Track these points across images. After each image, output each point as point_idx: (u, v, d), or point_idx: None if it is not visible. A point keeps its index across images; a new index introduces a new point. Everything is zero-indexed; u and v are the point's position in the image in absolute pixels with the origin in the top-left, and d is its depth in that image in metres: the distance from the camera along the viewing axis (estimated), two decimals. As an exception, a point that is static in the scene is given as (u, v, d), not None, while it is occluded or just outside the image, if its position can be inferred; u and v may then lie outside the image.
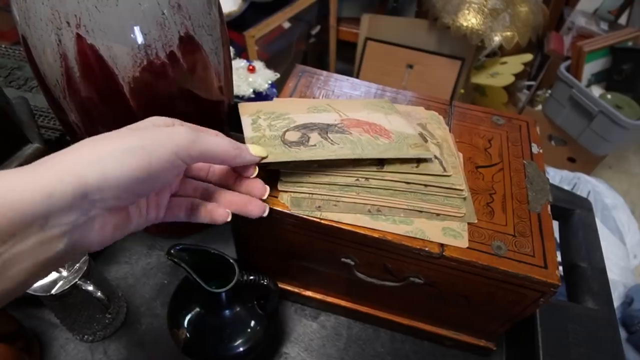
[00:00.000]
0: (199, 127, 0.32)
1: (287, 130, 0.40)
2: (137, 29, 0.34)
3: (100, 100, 0.37)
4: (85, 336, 0.48)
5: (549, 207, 0.44)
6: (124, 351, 0.49)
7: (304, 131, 0.41)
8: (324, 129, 0.41)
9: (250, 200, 0.36)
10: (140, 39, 0.34)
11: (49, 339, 0.49)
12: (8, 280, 0.22)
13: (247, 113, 0.43)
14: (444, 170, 0.41)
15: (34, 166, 0.23)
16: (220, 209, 0.35)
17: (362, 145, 0.39)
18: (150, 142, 0.27)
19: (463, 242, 0.39)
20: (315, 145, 0.39)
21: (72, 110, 0.39)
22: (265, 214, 0.36)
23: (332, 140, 0.39)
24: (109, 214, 0.27)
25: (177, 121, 0.31)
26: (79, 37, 0.33)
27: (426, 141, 0.45)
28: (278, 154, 0.37)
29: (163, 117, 0.31)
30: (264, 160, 0.36)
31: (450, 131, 0.49)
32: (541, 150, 0.49)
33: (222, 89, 0.45)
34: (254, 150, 0.35)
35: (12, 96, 0.50)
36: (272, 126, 0.41)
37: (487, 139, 0.50)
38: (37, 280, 0.25)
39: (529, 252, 0.39)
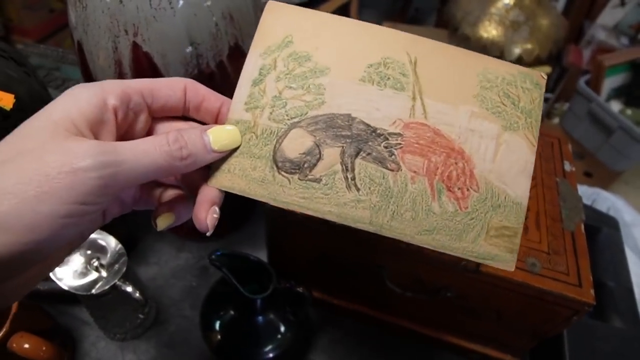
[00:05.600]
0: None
1: (293, 127, 0.25)
2: (190, 39, 0.35)
3: (149, 106, 0.38)
4: (117, 335, 0.49)
5: (582, 225, 0.44)
6: (153, 351, 0.50)
7: (320, 137, 0.25)
8: (358, 147, 0.25)
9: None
10: (193, 49, 0.35)
11: (81, 336, 0.50)
12: None
13: (263, 45, 0.27)
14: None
15: None
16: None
17: (395, 210, 0.24)
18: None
19: (499, 258, 0.39)
20: (320, 180, 0.24)
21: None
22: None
23: (354, 181, 0.25)
24: None
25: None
26: (135, 45, 0.34)
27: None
28: (247, 183, 0.24)
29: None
30: (225, 188, 0.24)
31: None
32: (574, 169, 0.49)
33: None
34: (215, 143, 0.23)
35: (53, 97, 0.51)
36: (280, 101, 0.26)
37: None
38: None
39: (563, 270, 0.40)
